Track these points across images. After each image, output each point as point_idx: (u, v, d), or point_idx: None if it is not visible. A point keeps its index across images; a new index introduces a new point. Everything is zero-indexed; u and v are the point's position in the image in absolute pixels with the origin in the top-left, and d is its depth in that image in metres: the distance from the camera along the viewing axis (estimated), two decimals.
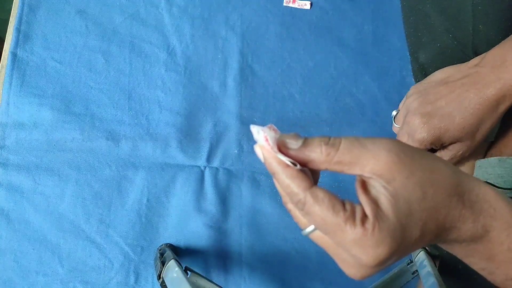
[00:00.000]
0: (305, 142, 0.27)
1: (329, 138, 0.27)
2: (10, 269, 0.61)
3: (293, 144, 0.27)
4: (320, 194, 0.26)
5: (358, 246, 0.25)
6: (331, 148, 0.27)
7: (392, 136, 0.69)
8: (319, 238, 0.29)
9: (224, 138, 0.68)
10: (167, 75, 0.69)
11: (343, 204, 0.26)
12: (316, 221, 0.26)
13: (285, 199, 0.30)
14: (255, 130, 0.28)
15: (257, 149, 0.28)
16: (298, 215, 0.30)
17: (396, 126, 0.57)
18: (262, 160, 0.28)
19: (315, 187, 0.27)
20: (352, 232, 0.25)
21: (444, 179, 0.27)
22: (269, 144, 0.27)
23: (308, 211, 0.26)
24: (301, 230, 0.30)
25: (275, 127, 0.28)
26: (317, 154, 0.27)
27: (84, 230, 0.63)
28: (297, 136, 0.28)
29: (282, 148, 0.28)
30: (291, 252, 0.64)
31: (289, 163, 0.27)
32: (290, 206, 0.30)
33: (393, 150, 0.26)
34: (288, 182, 0.27)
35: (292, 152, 0.27)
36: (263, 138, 0.27)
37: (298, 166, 0.27)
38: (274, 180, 0.28)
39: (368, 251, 0.25)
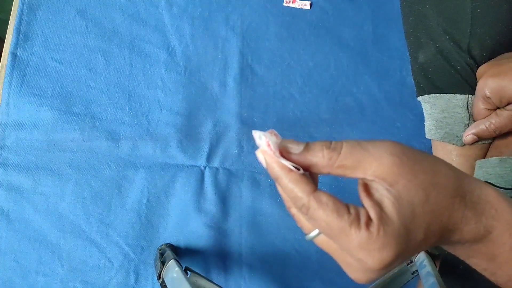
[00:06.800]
0: (307, 146, 0.27)
1: (331, 142, 0.27)
2: (10, 269, 0.61)
3: (295, 148, 0.27)
4: (324, 198, 0.26)
5: (363, 249, 0.25)
6: (333, 152, 0.26)
7: (391, 136, 0.70)
8: (324, 242, 0.29)
9: (224, 138, 0.67)
10: (167, 75, 0.69)
11: (347, 208, 0.26)
12: (321, 225, 0.26)
13: (289, 203, 0.29)
14: (257, 135, 0.27)
15: (259, 154, 0.28)
16: (302, 220, 0.30)
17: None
18: (264, 165, 0.28)
19: (318, 191, 0.27)
20: (357, 236, 0.25)
21: (446, 181, 0.27)
22: (271, 149, 0.27)
23: (312, 215, 0.26)
24: (305, 234, 0.29)
25: (276, 132, 0.28)
26: (319, 159, 0.27)
27: (84, 230, 0.63)
28: (298, 141, 0.28)
29: (284, 153, 0.27)
30: (291, 252, 0.64)
31: (292, 168, 0.27)
32: (293, 210, 0.30)
33: (395, 153, 0.26)
34: (292, 187, 0.27)
35: (294, 157, 0.27)
36: (265, 143, 0.27)
37: (301, 171, 0.27)
38: (277, 185, 0.28)
39: (373, 255, 0.25)
